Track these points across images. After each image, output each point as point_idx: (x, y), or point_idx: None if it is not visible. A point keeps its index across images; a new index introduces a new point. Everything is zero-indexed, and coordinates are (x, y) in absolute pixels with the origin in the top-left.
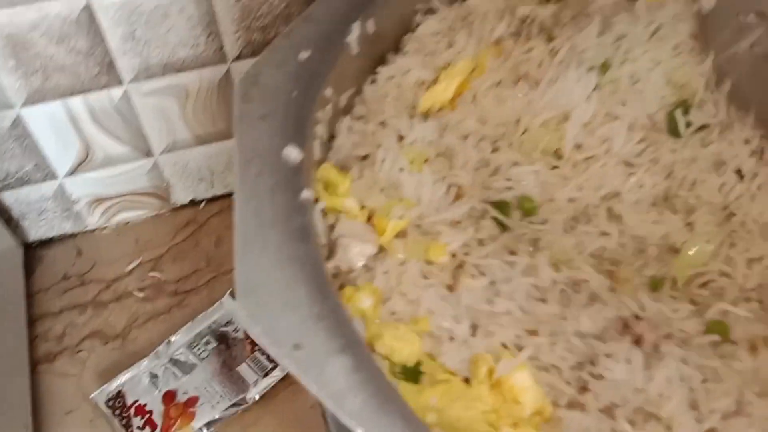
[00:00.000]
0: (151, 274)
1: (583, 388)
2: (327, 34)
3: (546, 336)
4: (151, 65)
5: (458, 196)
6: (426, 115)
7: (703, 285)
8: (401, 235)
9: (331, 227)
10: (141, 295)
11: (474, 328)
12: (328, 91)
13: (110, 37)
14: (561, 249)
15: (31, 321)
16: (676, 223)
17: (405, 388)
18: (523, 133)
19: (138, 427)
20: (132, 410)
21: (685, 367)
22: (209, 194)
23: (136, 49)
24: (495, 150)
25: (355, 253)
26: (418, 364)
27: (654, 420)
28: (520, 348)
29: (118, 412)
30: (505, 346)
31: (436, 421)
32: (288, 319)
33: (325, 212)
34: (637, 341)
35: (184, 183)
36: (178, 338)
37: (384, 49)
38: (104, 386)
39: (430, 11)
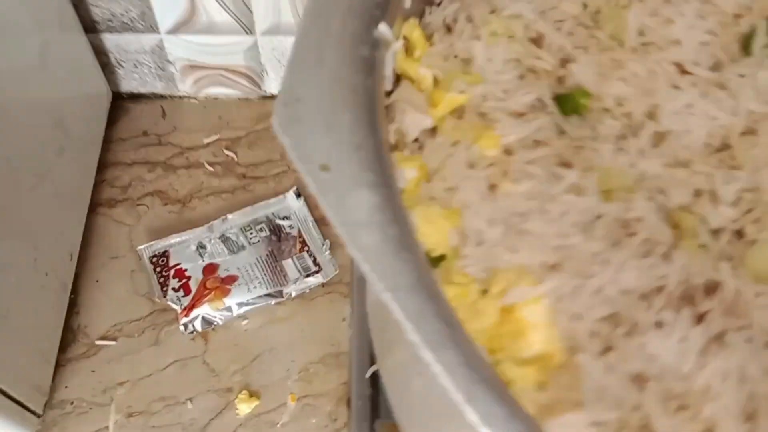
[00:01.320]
0: (226, 152)
1: (609, 348)
2: None
3: (576, 276)
4: None
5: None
6: None
7: None
8: (458, 113)
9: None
10: (211, 169)
11: (504, 239)
12: None
13: None
14: (617, 173)
15: (103, 166)
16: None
17: None
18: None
19: (173, 288)
20: (172, 271)
21: (753, 367)
22: None
23: None
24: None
25: (410, 122)
26: (441, 257)
27: (689, 413)
28: (542, 279)
29: (159, 269)
30: (526, 271)
31: None
32: (323, 138)
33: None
34: (700, 319)
35: (278, 72)
36: (235, 218)
37: None
38: (153, 242)
39: None
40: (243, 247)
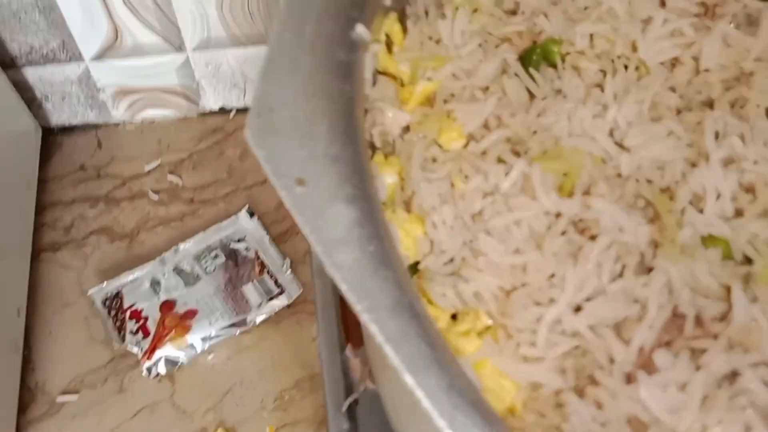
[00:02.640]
0: (170, 177)
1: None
2: None
3: (528, 309)
4: None
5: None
6: None
7: None
8: (429, 102)
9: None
10: (156, 197)
11: (461, 259)
12: None
13: None
14: (575, 152)
15: (41, 208)
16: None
17: None
18: None
19: (131, 332)
20: (128, 313)
21: None
22: (241, 104)
23: None
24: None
25: (390, 121)
26: (416, 265)
27: None
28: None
29: (113, 313)
30: (479, 296)
31: None
32: (299, 150)
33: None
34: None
35: (215, 87)
36: (187, 247)
37: None
38: (104, 284)
39: None
40: (199, 278)
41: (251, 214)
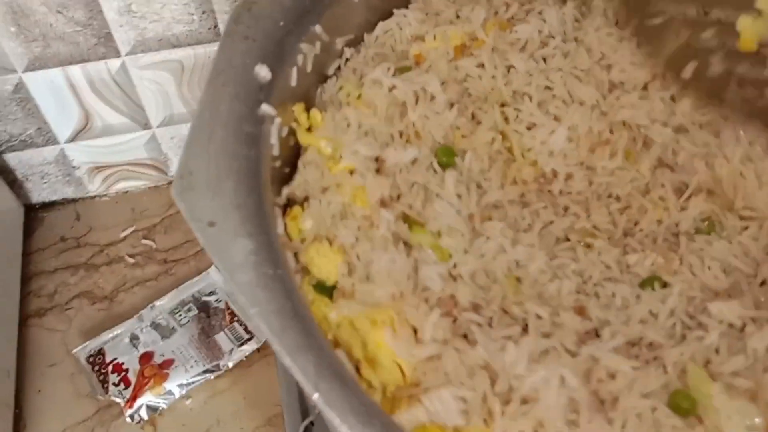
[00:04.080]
0: (144, 241)
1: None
2: None
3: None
4: (146, 39)
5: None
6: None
7: None
8: (349, 172)
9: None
10: (132, 261)
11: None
12: (318, 29)
13: (107, 9)
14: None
15: (26, 278)
16: None
17: (317, 298)
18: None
19: (113, 383)
20: (110, 367)
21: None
22: None
23: (132, 22)
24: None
25: (312, 181)
26: (335, 285)
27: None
28: None
29: (97, 368)
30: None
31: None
32: (211, 201)
33: (287, 130)
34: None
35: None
36: (162, 303)
37: (393, 5)
38: (87, 343)
39: None
40: (174, 330)
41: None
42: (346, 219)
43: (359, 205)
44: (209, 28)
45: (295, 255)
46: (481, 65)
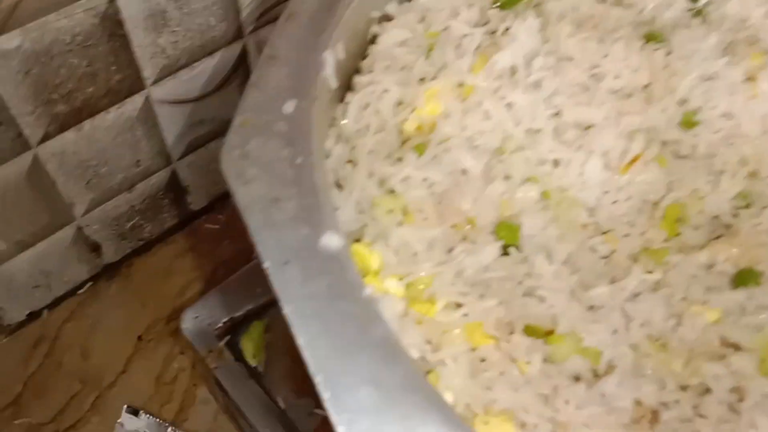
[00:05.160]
0: (17, 422)
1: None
2: (299, 72)
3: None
4: None
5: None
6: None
7: None
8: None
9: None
10: None
11: None
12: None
13: None
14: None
15: None
16: None
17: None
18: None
19: None
20: None
21: None
22: (49, 299)
23: None
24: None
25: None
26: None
27: None
28: None
29: None
30: None
31: None
32: None
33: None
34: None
35: (13, 300)
36: None
37: (349, 73)
38: None
39: (386, 18)
40: None
41: (135, 413)
42: (486, 372)
43: (482, 343)
44: (13, 139)
45: None
46: (487, 115)
